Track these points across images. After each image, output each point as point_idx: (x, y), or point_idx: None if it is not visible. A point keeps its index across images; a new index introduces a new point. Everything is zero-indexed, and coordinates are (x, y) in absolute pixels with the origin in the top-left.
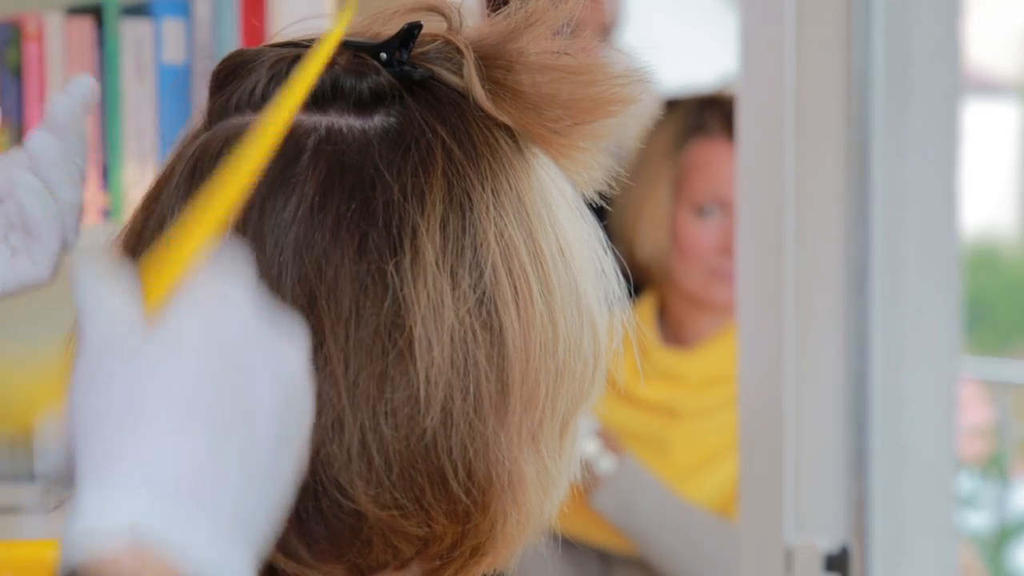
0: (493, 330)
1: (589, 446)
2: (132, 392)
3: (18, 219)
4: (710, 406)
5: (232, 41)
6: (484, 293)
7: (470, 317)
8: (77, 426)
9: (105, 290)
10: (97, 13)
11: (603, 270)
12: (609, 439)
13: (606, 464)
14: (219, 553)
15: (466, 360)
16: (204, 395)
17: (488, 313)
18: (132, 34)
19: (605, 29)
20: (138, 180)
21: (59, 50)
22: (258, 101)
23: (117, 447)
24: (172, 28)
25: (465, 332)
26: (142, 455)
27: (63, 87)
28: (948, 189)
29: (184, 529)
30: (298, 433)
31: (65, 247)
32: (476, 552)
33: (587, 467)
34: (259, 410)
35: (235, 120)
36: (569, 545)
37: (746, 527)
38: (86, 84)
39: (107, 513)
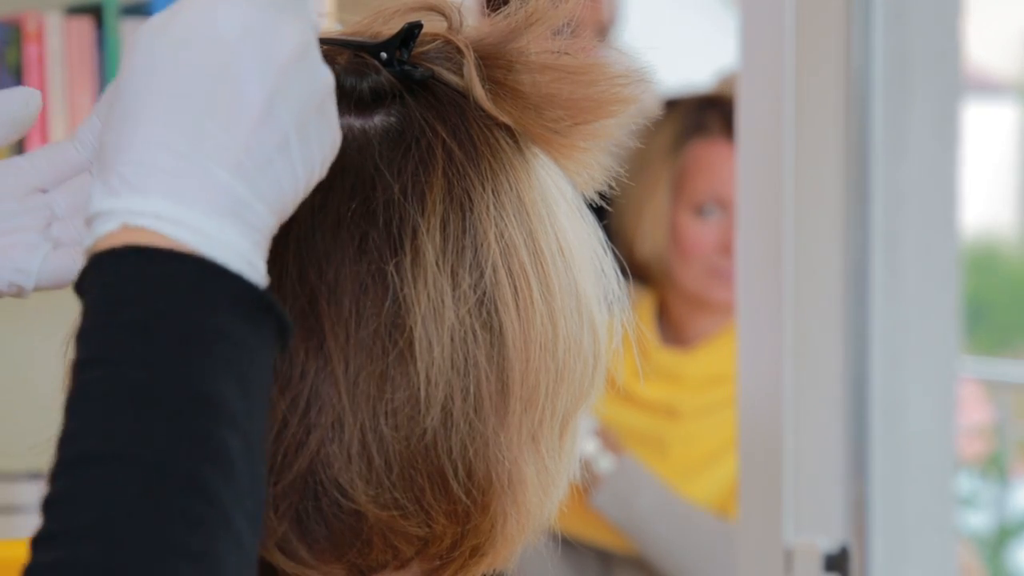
0: (493, 330)
1: (588, 445)
2: (136, 86)
3: (69, 207)
4: (709, 406)
5: None
6: (484, 293)
7: (470, 317)
8: (107, 117)
9: None
10: (97, 13)
11: (603, 270)
12: (609, 439)
13: (605, 464)
14: (214, 228)
15: (466, 360)
16: (193, 87)
17: (488, 313)
18: (132, 34)
19: (603, 28)
20: None
21: (59, 50)
22: None
23: (119, 142)
24: None
25: (465, 332)
26: (135, 144)
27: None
28: (948, 189)
29: (176, 207)
30: (295, 117)
31: None
32: (476, 552)
33: (587, 467)
34: (249, 103)
35: None
36: (569, 545)
37: (746, 527)
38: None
39: (108, 204)
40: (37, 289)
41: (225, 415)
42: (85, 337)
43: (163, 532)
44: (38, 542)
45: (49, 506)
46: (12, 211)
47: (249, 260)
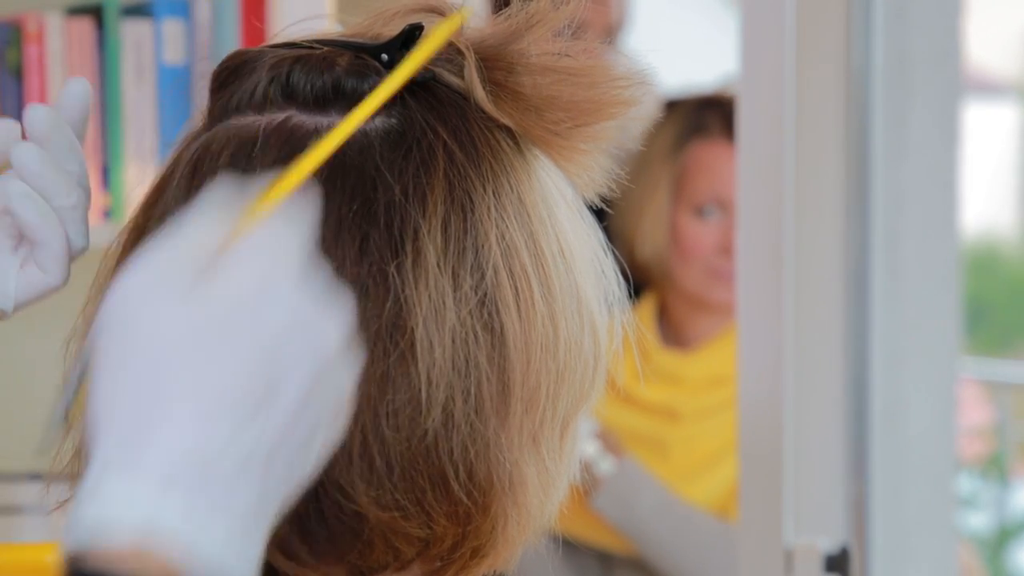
0: (494, 331)
1: (589, 448)
2: (168, 361)
3: (23, 232)
4: (710, 408)
5: (232, 41)
6: (485, 294)
7: (471, 318)
8: (101, 390)
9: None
10: (97, 13)
11: (603, 271)
12: (609, 440)
13: (606, 465)
14: (232, 553)
15: (467, 361)
16: (235, 381)
17: (489, 314)
18: (132, 34)
19: (610, 30)
20: (138, 180)
21: (59, 50)
22: (259, 102)
23: (141, 427)
24: (172, 28)
25: (466, 333)
26: (164, 442)
27: (60, 90)
28: (948, 189)
29: (199, 527)
30: (328, 419)
31: (73, 251)
32: (477, 553)
33: (587, 468)
34: (288, 399)
35: (235, 121)
36: (569, 546)
37: (746, 528)
38: (75, 90)
39: (121, 502)
40: (18, 309)
41: None
42: None
43: None
44: None
45: None
46: None
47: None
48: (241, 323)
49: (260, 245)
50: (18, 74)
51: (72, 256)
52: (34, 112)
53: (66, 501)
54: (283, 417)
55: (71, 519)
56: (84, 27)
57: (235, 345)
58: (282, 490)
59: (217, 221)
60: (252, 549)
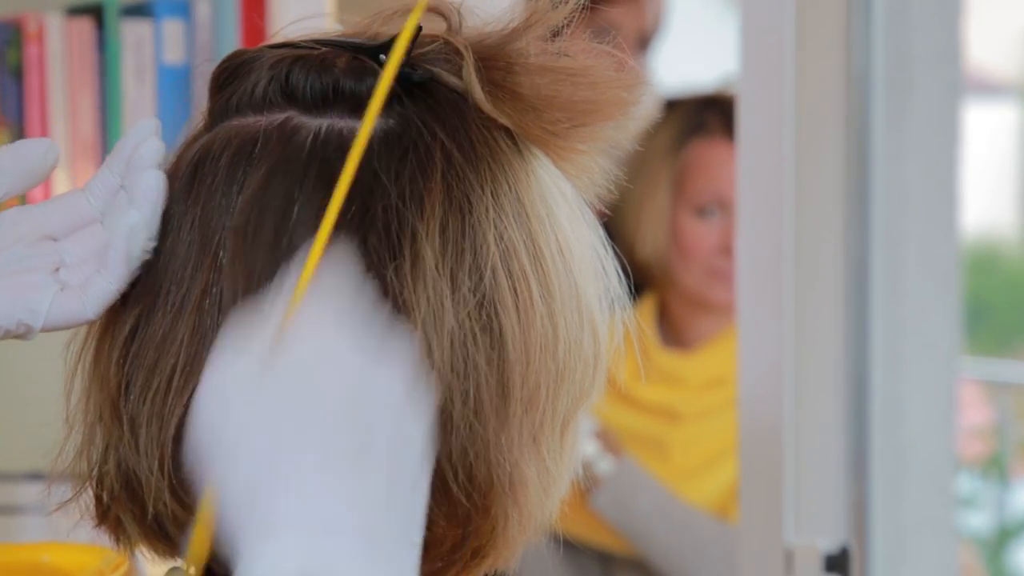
0: (493, 333)
1: (588, 447)
2: (269, 437)
3: (78, 256)
4: (710, 408)
5: (232, 41)
6: (484, 296)
7: (470, 320)
8: (215, 467)
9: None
10: (97, 13)
11: (603, 269)
12: (608, 440)
13: (605, 465)
14: None
15: (466, 363)
16: (334, 435)
17: (488, 316)
18: (132, 34)
19: (645, 36)
20: None
21: (59, 50)
22: (258, 102)
23: (267, 495)
24: (172, 28)
25: (465, 336)
26: (294, 502)
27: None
28: (948, 189)
29: (348, 569)
30: (423, 455)
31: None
32: (477, 554)
33: (586, 468)
34: (380, 451)
35: (236, 121)
36: (569, 546)
37: (746, 527)
38: (149, 126)
39: (275, 562)
40: (43, 330)
41: None
42: None
43: None
44: None
45: None
46: (23, 255)
47: None
48: (314, 395)
49: (311, 318)
50: (18, 74)
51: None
52: (153, 146)
53: (68, 501)
54: (384, 468)
55: None
56: (84, 27)
57: (316, 416)
58: (412, 529)
59: (269, 311)
60: None
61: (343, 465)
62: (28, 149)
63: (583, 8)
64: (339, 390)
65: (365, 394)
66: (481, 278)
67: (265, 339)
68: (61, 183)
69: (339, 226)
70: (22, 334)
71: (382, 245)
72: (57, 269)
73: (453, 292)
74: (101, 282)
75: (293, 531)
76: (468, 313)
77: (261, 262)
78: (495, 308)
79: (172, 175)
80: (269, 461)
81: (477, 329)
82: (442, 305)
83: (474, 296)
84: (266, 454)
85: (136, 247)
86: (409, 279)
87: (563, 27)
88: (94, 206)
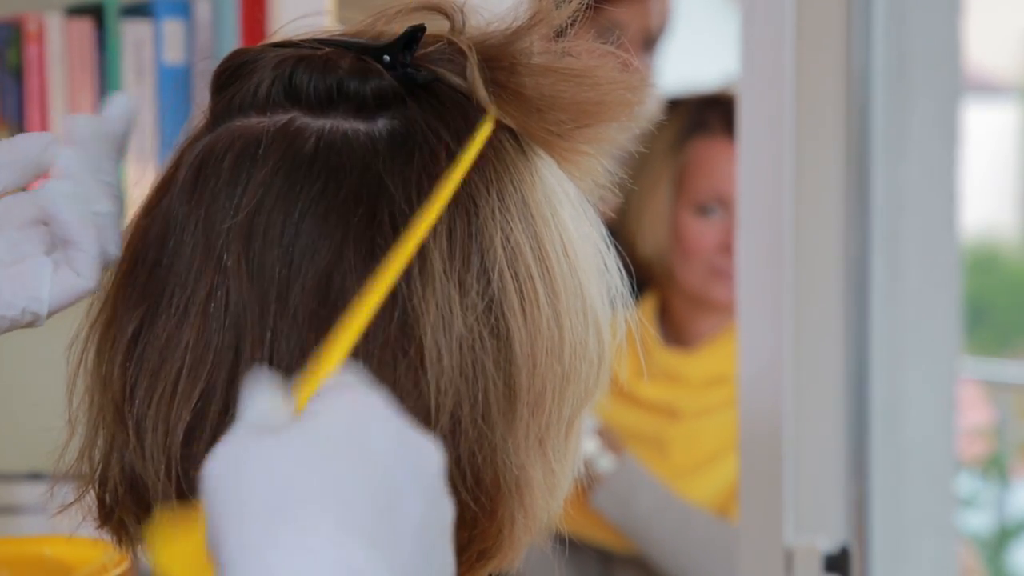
0: (500, 336)
1: (589, 445)
2: (282, 492)
3: (58, 234)
4: (710, 407)
5: (232, 41)
6: (491, 299)
7: (478, 324)
8: (223, 522)
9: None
10: (97, 13)
11: (606, 266)
12: (609, 438)
13: (606, 463)
14: None
15: (474, 367)
16: (355, 505)
17: (495, 319)
18: (132, 34)
19: (651, 36)
20: (138, 180)
21: (59, 50)
22: (262, 102)
23: (270, 553)
24: (172, 28)
25: (473, 340)
26: (298, 566)
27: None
28: (948, 189)
29: None
30: (443, 538)
31: (106, 258)
32: (483, 556)
33: (587, 466)
34: (407, 518)
35: (239, 121)
36: (569, 544)
37: (746, 527)
38: (118, 103)
39: None
40: (52, 312)
41: None
42: None
43: None
44: None
45: None
46: (15, 240)
47: None
48: (346, 451)
49: (347, 381)
50: (18, 74)
51: (105, 263)
52: (76, 119)
53: (70, 504)
54: (407, 539)
55: None
56: (84, 27)
57: (345, 474)
58: None
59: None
60: None
61: (366, 536)
62: (28, 143)
63: (587, 8)
64: (376, 448)
65: (400, 459)
66: (488, 282)
67: (282, 411)
68: None
69: (344, 230)
70: (31, 322)
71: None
72: (50, 252)
73: (461, 296)
74: (78, 253)
75: None
76: (476, 317)
77: (266, 264)
78: (502, 311)
79: (173, 175)
80: (281, 506)
81: (485, 333)
82: (450, 309)
83: (482, 300)
84: (282, 518)
85: (71, 214)
86: (418, 284)
87: (567, 27)
88: None
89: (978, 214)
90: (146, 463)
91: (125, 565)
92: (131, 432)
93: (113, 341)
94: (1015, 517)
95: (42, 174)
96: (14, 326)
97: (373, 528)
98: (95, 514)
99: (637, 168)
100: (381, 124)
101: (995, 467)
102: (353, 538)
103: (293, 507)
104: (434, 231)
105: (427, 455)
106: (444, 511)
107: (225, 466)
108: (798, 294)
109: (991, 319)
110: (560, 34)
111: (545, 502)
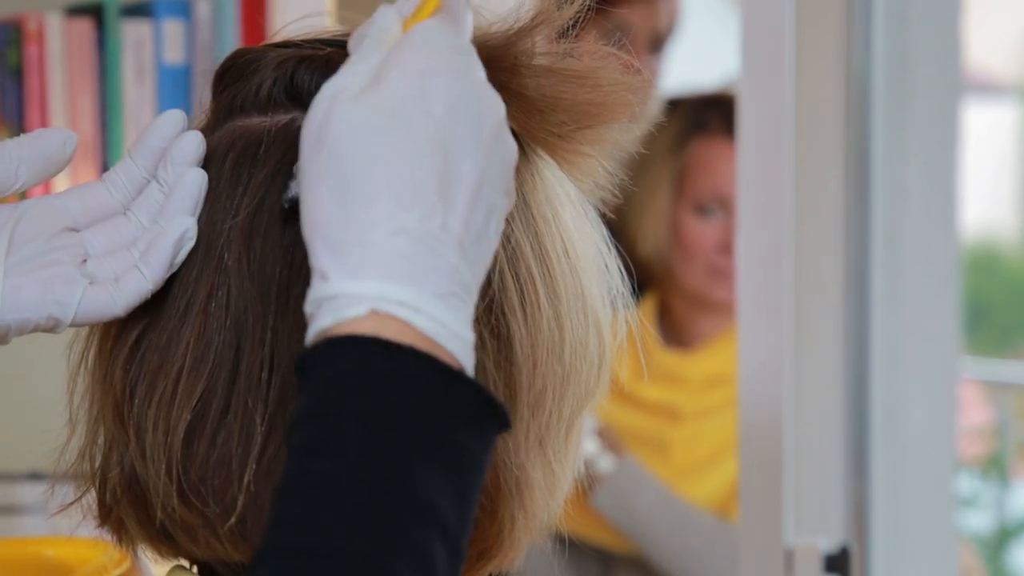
0: (500, 336)
1: (589, 445)
2: (357, 166)
3: (102, 248)
4: (710, 407)
5: (232, 41)
6: (492, 300)
7: (479, 325)
8: (308, 203)
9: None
10: (97, 13)
11: (607, 266)
12: (609, 439)
13: (606, 463)
14: (445, 311)
15: (475, 368)
16: (416, 172)
17: (496, 320)
18: (132, 34)
19: (658, 37)
20: None
21: (59, 50)
22: (263, 102)
23: (347, 233)
24: (172, 28)
25: (474, 340)
26: (373, 226)
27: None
28: (948, 189)
29: (417, 298)
30: (499, 191)
31: (170, 269)
32: (483, 556)
33: (587, 466)
34: (464, 177)
35: (240, 121)
36: (569, 544)
37: (746, 527)
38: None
39: (352, 294)
40: (72, 325)
41: (439, 526)
42: (317, 419)
43: None
44: None
45: None
46: (45, 248)
47: (471, 349)
48: (408, 114)
49: (416, 44)
50: (18, 74)
51: (165, 274)
52: (190, 138)
53: (70, 504)
54: (465, 195)
55: (313, 324)
56: (84, 27)
57: (407, 136)
58: (475, 273)
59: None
60: (462, 327)
61: (426, 200)
62: (47, 138)
63: (590, 9)
64: (435, 111)
65: (459, 119)
66: (489, 282)
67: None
68: (60, 183)
69: None
70: (51, 328)
71: None
72: (84, 261)
73: None
74: (137, 279)
75: (374, 275)
76: (478, 317)
77: (267, 264)
78: (503, 311)
79: None
80: (359, 184)
81: (486, 333)
82: None
83: (483, 300)
84: (354, 178)
85: (184, 252)
86: None
87: (571, 27)
88: (116, 197)
89: (978, 214)
90: (146, 463)
91: (125, 565)
92: (131, 432)
93: (114, 340)
94: (1015, 517)
95: (61, 170)
96: (35, 330)
97: (433, 191)
98: (95, 514)
99: (637, 168)
100: None
101: (995, 467)
102: (411, 199)
103: (361, 178)
104: None
105: (487, 108)
106: (506, 158)
107: (315, 126)
108: (798, 294)
109: (991, 319)
110: (563, 35)
111: (545, 502)
